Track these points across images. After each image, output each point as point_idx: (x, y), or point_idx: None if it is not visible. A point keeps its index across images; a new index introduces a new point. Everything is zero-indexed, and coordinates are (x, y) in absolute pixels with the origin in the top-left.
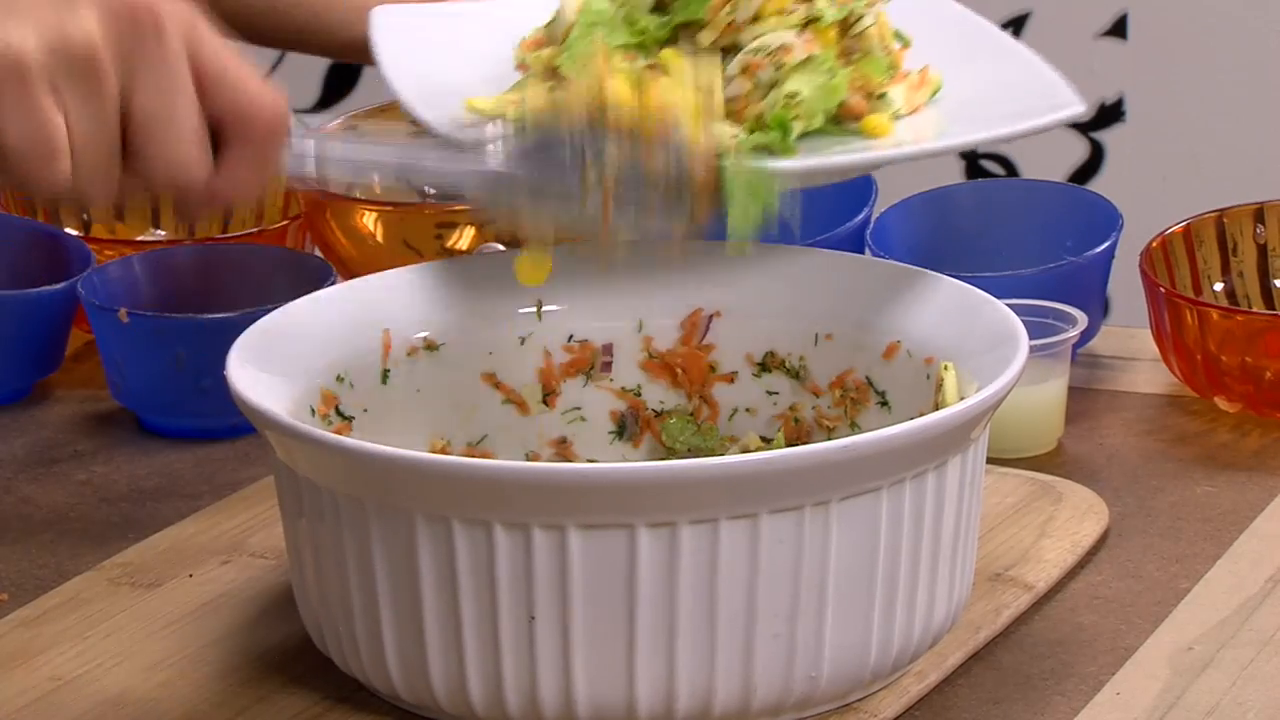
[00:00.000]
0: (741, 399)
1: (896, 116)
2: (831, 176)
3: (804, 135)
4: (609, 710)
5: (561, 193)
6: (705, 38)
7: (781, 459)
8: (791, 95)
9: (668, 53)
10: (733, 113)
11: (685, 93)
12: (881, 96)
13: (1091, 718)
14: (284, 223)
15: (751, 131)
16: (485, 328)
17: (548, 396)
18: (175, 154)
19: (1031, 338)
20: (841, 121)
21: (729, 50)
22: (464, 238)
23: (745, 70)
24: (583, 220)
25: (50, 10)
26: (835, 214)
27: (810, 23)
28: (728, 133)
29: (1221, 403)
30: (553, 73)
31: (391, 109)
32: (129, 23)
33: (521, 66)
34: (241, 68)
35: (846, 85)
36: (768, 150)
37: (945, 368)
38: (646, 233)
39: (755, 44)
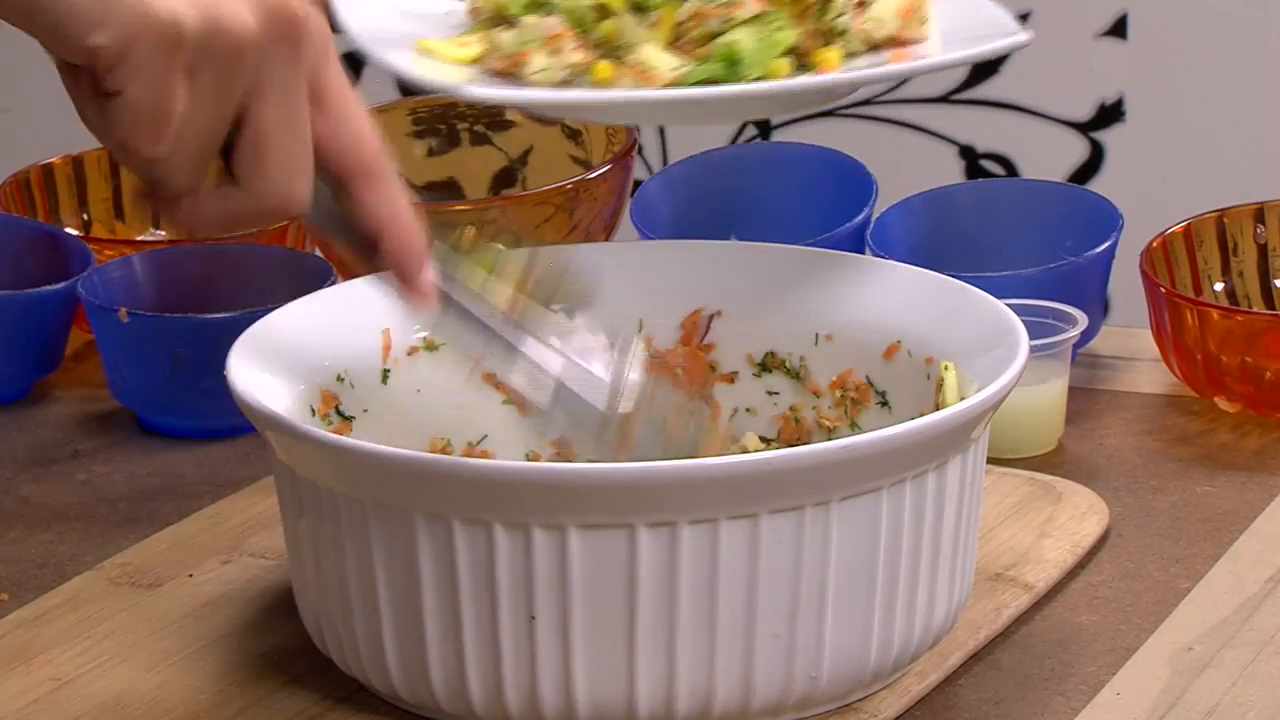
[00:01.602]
0: (742, 399)
1: (851, 53)
2: (774, 106)
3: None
4: (609, 710)
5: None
6: None
7: (781, 459)
8: (731, 44)
9: (609, 25)
10: (680, 47)
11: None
12: (841, 33)
13: (1091, 718)
14: (284, 222)
15: (700, 64)
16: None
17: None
18: (283, 167)
19: (1031, 338)
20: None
21: None
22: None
23: (696, 16)
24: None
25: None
26: (835, 214)
27: None
28: (671, 63)
29: (1221, 403)
30: (501, 16)
31: (391, 109)
32: (280, 23)
33: (473, 11)
34: (358, 108)
35: (788, 42)
36: (713, 82)
37: (945, 368)
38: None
39: None
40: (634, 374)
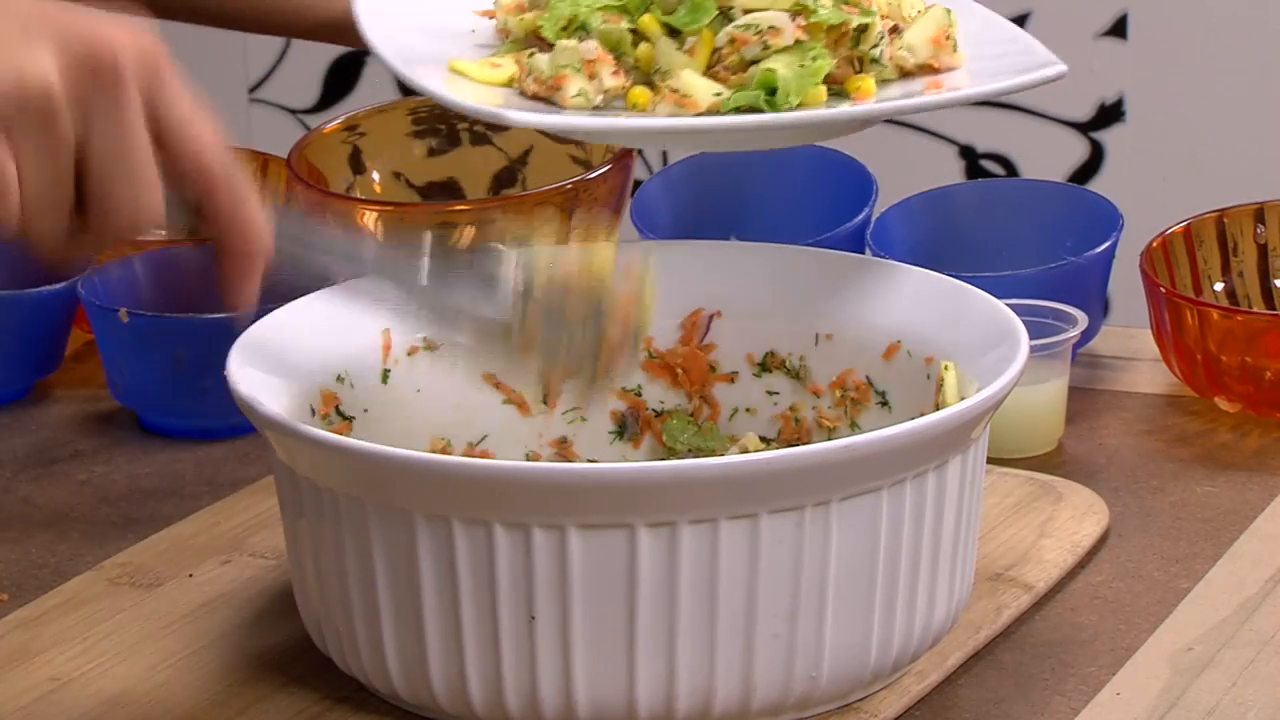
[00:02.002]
0: (742, 399)
1: (884, 80)
2: (812, 134)
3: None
4: (609, 710)
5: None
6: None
7: (781, 459)
8: (769, 71)
9: (647, 19)
10: (718, 75)
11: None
12: (874, 61)
13: (1091, 718)
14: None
15: (737, 90)
16: None
17: (547, 396)
18: (128, 202)
19: (1031, 338)
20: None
21: (724, 10)
22: (464, 238)
23: (732, 42)
24: (506, 348)
25: (6, 48)
26: (835, 214)
27: (801, 11)
28: (710, 89)
29: (1221, 403)
30: (534, 37)
31: (391, 108)
32: (88, 66)
33: (503, 31)
34: (198, 120)
35: (826, 70)
36: (752, 109)
37: (945, 368)
38: (563, 371)
39: (746, 20)
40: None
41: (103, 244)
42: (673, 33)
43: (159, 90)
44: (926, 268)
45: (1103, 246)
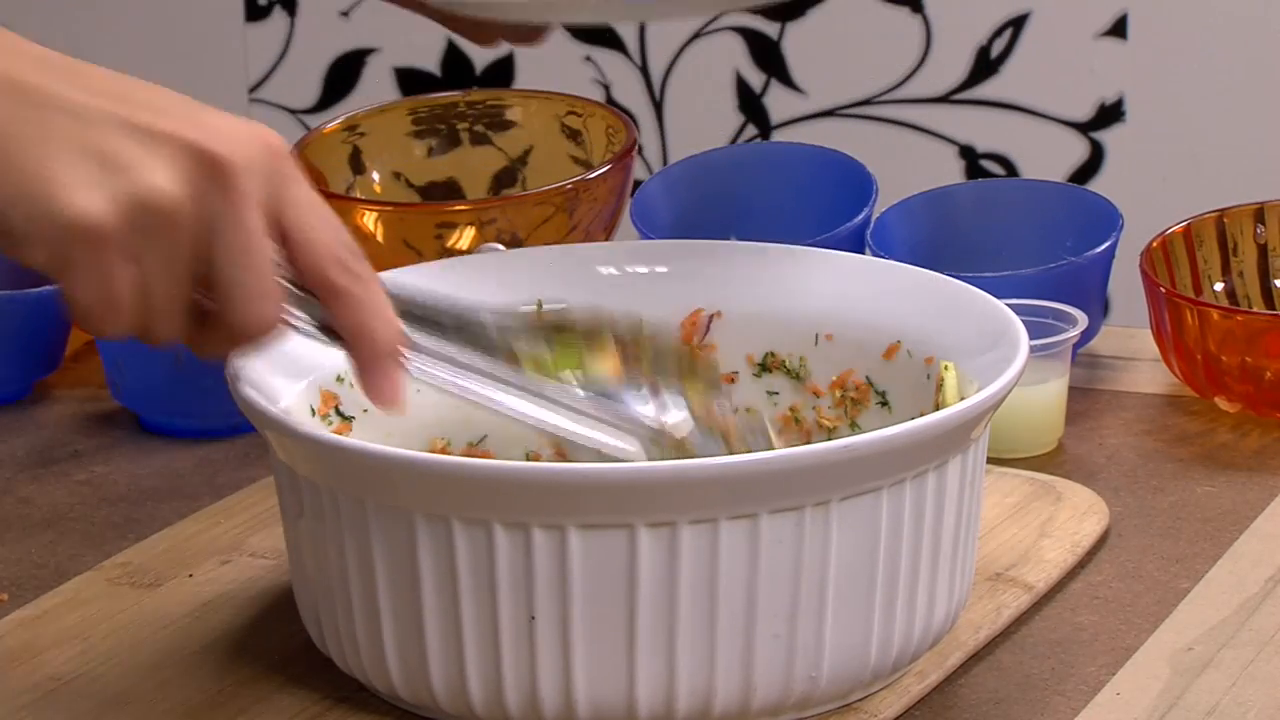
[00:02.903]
0: (742, 399)
1: None
2: None
3: None
4: (609, 710)
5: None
6: None
7: (781, 459)
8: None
9: None
10: None
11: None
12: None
13: (1091, 718)
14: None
15: None
16: None
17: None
18: (251, 310)
19: (1031, 338)
20: None
21: None
22: (464, 238)
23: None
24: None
25: (125, 160)
26: (835, 214)
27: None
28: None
29: (1222, 403)
30: None
31: (391, 108)
32: (207, 178)
33: None
34: (319, 225)
35: None
36: None
37: (945, 368)
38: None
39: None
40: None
41: (227, 347)
42: None
43: (280, 194)
44: (926, 268)
45: (1103, 246)
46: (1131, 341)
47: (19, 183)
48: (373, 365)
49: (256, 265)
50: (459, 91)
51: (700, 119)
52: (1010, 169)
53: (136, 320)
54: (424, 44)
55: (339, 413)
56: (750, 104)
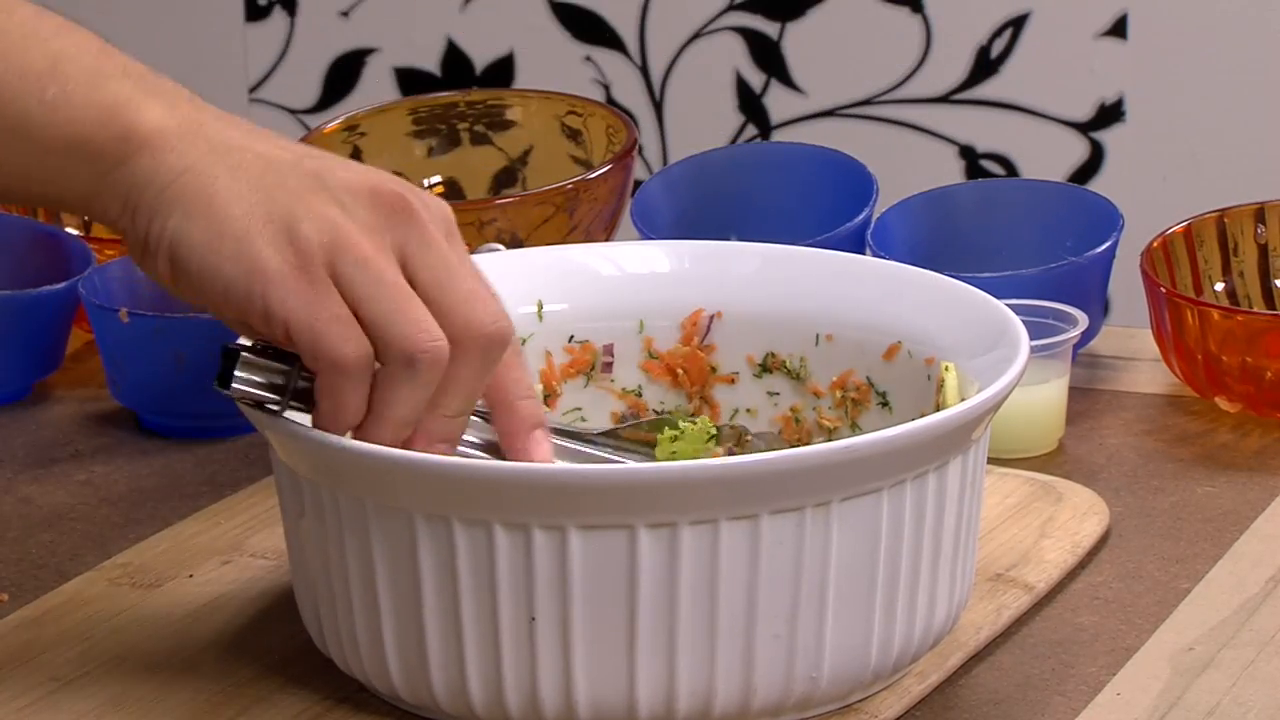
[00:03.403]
0: (742, 400)
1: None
2: None
3: None
4: (609, 711)
5: None
6: None
7: (782, 459)
8: None
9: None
10: None
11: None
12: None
13: (1091, 718)
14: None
15: None
16: None
17: (548, 397)
18: (476, 315)
19: (1032, 338)
20: None
21: None
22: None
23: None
24: None
25: (316, 204)
26: (835, 214)
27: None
28: None
29: (1222, 403)
30: None
31: (391, 108)
32: (387, 208)
33: None
34: (482, 288)
35: None
36: None
37: (946, 368)
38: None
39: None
40: None
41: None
42: None
43: (453, 241)
44: (926, 268)
45: (1103, 246)
46: (1132, 341)
47: None
48: (517, 439)
49: (462, 270)
50: (459, 91)
51: (700, 119)
52: (1010, 169)
53: (365, 344)
54: (424, 44)
55: None
56: (750, 104)
